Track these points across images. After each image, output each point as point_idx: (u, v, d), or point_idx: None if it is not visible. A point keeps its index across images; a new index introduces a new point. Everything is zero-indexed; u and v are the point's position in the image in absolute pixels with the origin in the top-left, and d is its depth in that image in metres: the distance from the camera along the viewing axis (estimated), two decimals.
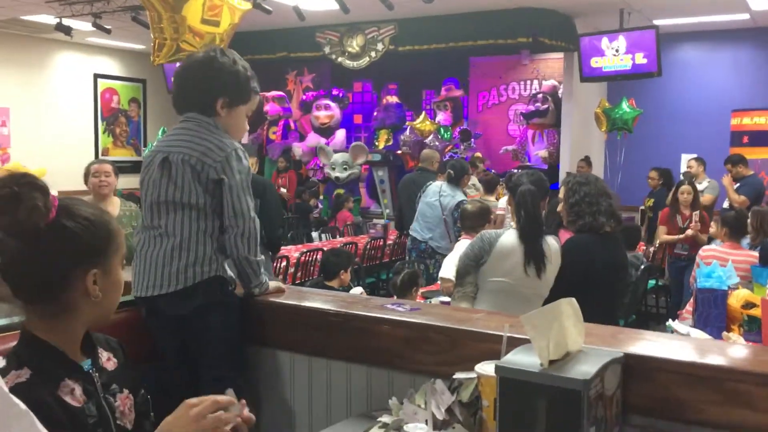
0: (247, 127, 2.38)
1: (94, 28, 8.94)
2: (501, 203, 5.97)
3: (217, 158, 2.13)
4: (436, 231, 5.59)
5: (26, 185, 1.26)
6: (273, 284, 2.28)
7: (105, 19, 8.78)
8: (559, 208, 3.25)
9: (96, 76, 12.13)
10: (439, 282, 4.36)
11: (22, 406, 0.93)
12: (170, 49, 4.72)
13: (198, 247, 2.14)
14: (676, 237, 6.44)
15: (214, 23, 5.09)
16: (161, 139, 2.31)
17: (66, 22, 8.99)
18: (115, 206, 4.02)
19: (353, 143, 10.75)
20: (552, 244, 3.05)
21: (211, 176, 2.12)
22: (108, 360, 1.48)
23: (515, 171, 8.94)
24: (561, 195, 3.27)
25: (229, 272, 2.22)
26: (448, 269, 3.67)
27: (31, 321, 1.36)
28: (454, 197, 5.59)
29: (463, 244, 3.83)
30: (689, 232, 6.29)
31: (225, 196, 2.14)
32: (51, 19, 9.17)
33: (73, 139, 11.67)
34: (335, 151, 10.88)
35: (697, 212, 6.39)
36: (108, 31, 9.04)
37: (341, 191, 10.14)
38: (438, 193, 5.66)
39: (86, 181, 4.15)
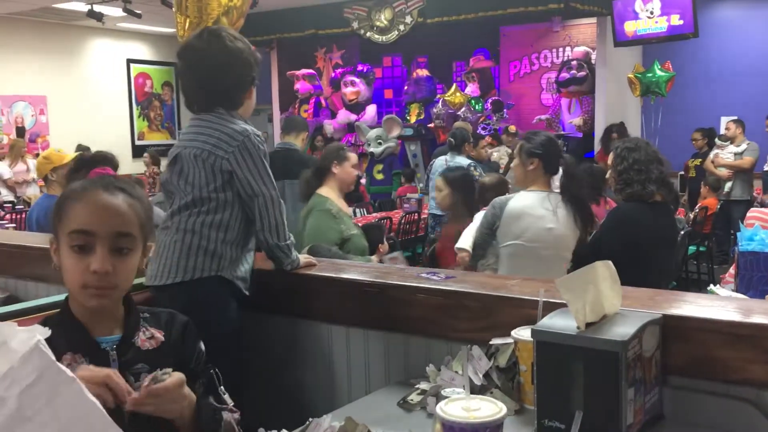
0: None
1: (125, 14, 9.04)
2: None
3: (228, 149, 2.07)
4: None
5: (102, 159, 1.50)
6: (303, 258, 2.29)
7: (135, 4, 8.87)
8: (608, 174, 3.19)
9: (129, 61, 12.29)
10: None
11: (69, 373, 0.96)
12: (195, 27, 4.73)
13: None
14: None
15: None
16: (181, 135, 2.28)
17: (97, 8, 9.10)
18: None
19: (385, 116, 10.70)
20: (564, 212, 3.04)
21: (225, 167, 2.07)
22: (150, 338, 1.47)
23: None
24: (609, 161, 3.20)
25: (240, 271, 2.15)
26: (465, 240, 3.68)
27: None
28: (460, 164, 5.69)
29: (481, 216, 3.85)
30: None
31: (240, 188, 2.09)
32: (82, 6, 9.29)
33: (109, 125, 11.87)
34: (369, 127, 10.84)
35: None
36: (138, 16, 9.13)
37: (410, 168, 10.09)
38: (444, 166, 5.75)
39: (331, 165, 3.68)
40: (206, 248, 2.07)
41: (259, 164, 2.10)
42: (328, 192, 3.65)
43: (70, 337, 1.37)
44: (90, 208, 1.38)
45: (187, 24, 4.73)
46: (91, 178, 1.51)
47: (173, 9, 4.98)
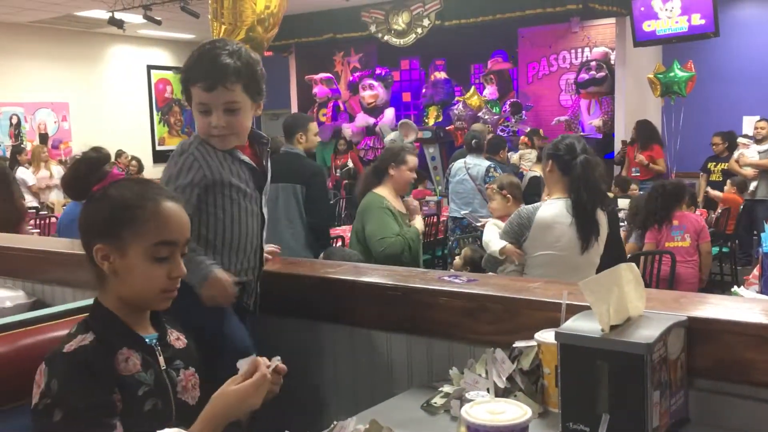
0: (214, 120, 1.93)
1: (145, 21, 9.13)
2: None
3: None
4: (474, 202, 5.64)
5: (105, 158, 1.55)
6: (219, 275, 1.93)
7: (155, 11, 8.97)
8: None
9: (149, 68, 12.42)
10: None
11: None
12: (230, 34, 4.80)
13: None
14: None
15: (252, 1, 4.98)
16: None
17: (118, 15, 9.21)
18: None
19: (401, 121, 10.72)
20: (601, 214, 3.03)
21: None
22: (177, 339, 1.55)
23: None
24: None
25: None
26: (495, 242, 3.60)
27: (99, 291, 1.47)
28: (481, 165, 5.74)
29: (489, 226, 3.80)
30: None
31: None
32: (103, 14, 9.41)
33: (130, 130, 12.00)
34: (391, 129, 10.84)
35: None
36: (158, 23, 9.22)
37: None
38: (464, 168, 5.76)
39: (388, 167, 3.71)
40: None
41: (173, 170, 1.93)
42: (383, 191, 3.69)
43: (119, 334, 1.43)
44: (170, 220, 1.45)
45: (222, 30, 4.81)
46: (143, 184, 1.50)
47: (209, 16, 5.05)
